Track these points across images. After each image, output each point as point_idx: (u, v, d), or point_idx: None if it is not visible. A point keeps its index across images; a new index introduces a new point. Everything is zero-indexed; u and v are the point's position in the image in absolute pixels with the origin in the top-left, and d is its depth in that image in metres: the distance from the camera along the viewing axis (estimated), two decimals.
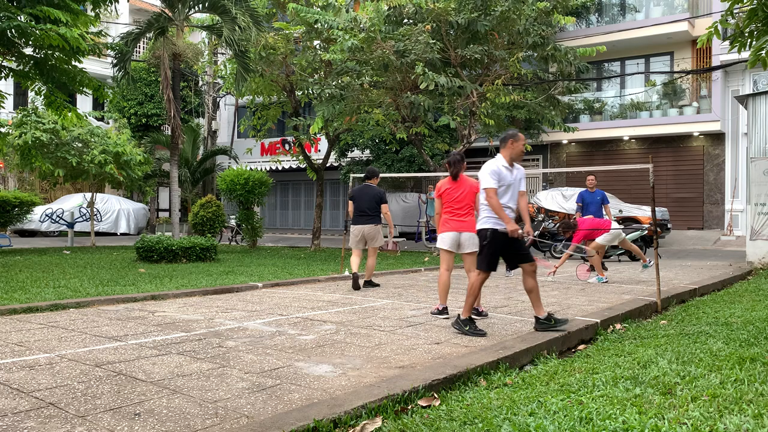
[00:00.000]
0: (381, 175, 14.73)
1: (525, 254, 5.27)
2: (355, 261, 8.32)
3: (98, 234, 21.65)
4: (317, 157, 22.44)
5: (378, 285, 8.62)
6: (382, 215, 8.46)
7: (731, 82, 19.67)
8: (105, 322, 5.64)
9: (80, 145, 15.97)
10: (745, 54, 6.55)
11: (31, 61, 10.91)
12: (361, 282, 8.34)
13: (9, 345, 4.60)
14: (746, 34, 5.80)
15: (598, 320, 5.59)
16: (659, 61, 20.83)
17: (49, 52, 10.64)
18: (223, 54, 21.51)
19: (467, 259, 5.94)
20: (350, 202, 8.54)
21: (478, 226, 5.37)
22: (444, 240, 5.96)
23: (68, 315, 6.01)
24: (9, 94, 11.98)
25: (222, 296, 7.57)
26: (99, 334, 5.05)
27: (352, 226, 8.44)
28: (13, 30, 9.68)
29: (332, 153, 20.40)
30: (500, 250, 5.28)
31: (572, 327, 5.24)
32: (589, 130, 20.88)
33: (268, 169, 24.78)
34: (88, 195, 19.23)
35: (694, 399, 3.29)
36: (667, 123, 19.91)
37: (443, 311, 6.02)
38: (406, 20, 14.14)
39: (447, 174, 6.04)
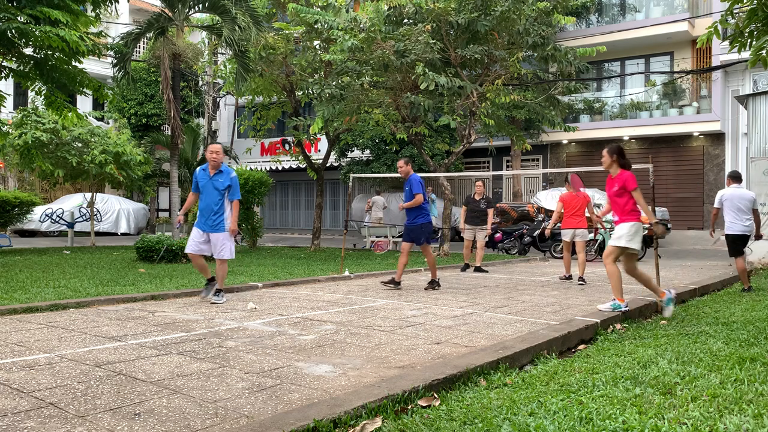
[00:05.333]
0: (380, 175, 14.82)
1: None
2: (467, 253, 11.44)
3: (98, 234, 21.65)
4: (317, 157, 22.44)
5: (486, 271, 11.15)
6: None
7: (731, 82, 19.67)
8: (105, 322, 5.64)
9: (80, 145, 15.97)
10: (745, 54, 6.55)
11: (31, 62, 10.91)
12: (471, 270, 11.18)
13: (9, 345, 4.60)
14: (746, 34, 5.82)
15: (598, 320, 5.59)
16: (659, 61, 20.83)
17: (49, 52, 10.64)
18: (223, 54, 21.49)
19: (578, 245, 9.23)
20: (464, 208, 11.27)
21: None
22: (564, 234, 9.32)
23: (68, 315, 6.00)
24: (9, 94, 11.98)
25: None
26: (99, 334, 5.04)
27: (467, 225, 11.21)
28: (13, 30, 9.68)
29: (332, 153, 20.39)
30: None
31: (572, 327, 5.24)
32: (589, 130, 20.88)
33: (268, 169, 24.77)
34: (88, 195, 19.23)
35: (694, 399, 3.29)
36: (667, 123, 19.90)
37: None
38: (406, 20, 14.13)
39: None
